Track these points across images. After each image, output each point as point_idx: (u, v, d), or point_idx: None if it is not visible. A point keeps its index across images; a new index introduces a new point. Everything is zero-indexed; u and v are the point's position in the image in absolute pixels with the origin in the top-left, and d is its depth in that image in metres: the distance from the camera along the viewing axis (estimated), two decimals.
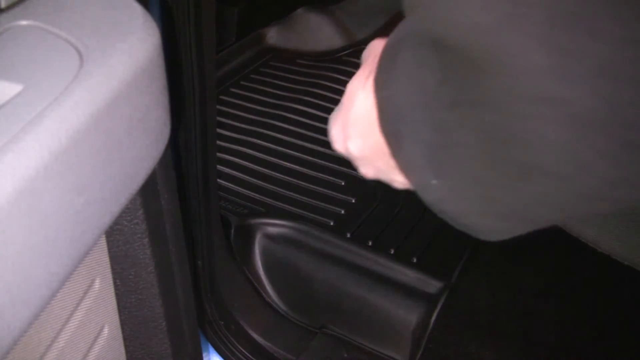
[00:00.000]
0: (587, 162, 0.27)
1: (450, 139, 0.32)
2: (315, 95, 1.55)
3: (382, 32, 1.20)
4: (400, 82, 0.35)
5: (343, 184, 1.29)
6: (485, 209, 0.34)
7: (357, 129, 0.41)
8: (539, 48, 0.24)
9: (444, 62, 0.31)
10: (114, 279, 0.62)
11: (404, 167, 0.37)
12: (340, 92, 0.43)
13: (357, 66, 0.43)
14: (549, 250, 1.11)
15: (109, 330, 0.63)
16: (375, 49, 0.42)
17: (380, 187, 1.17)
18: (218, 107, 1.32)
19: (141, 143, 0.49)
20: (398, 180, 0.41)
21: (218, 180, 1.15)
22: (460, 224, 0.38)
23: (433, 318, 1.06)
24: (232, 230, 1.15)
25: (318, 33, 1.73)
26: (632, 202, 0.30)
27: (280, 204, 1.24)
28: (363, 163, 0.43)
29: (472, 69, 0.28)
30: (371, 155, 0.41)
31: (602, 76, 0.23)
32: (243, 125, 1.46)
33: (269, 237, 1.15)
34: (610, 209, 0.31)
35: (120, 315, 0.65)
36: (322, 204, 1.24)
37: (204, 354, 0.97)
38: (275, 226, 1.15)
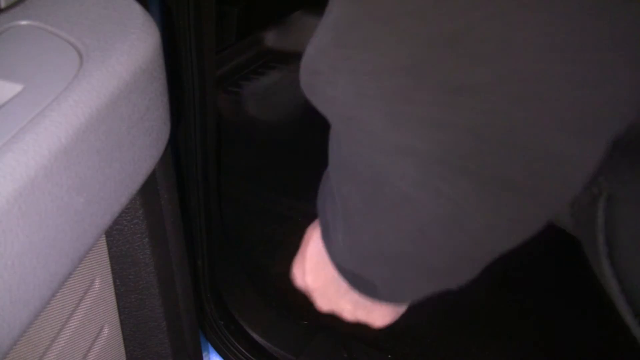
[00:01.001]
0: (435, 189, 0.33)
1: (345, 204, 0.40)
2: None
3: None
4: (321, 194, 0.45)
5: None
6: (375, 249, 0.41)
7: (312, 264, 0.51)
8: (382, 116, 0.32)
9: (331, 145, 0.40)
10: (114, 278, 0.61)
11: (330, 253, 0.46)
12: None
13: None
14: (549, 250, 1.11)
15: (109, 330, 0.63)
16: None
17: None
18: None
19: (141, 143, 0.49)
20: (347, 308, 0.52)
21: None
22: (365, 281, 0.44)
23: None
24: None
25: None
26: (489, 236, 0.36)
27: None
28: (318, 294, 0.53)
29: (343, 137, 0.37)
30: (323, 285, 0.50)
31: (429, 127, 0.31)
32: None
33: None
34: (476, 237, 0.37)
35: (120, 315, 0.65)
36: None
37: (204, 354, 0.96)
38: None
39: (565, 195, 0.34)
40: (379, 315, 0.55)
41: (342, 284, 0.48)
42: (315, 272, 0.51)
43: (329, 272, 0.48)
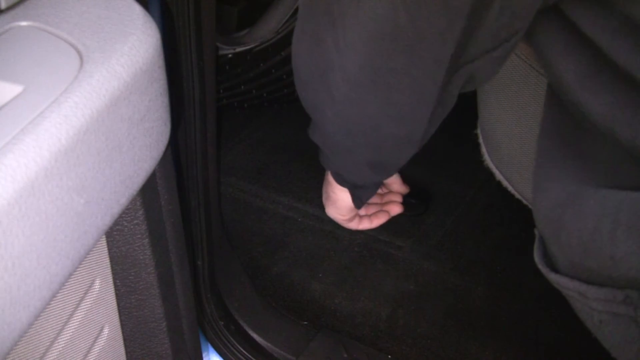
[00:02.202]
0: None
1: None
2: None
3: None
4: None
5: None
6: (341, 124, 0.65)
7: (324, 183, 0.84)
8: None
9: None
10: (114, 279, 0.62)
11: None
12: None
13: None
14: None
15: (109, 331, 0.63)
16: None
17: None
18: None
19: (141, 143, 0.49)
20: (325, 202, 0.87)
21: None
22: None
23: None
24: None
25: None
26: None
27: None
28: (324, 191, 0.86)
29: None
30: (325, 185, 0.85)
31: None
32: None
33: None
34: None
35: (120, 316, 0.65)
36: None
37: (204, 354, 0.96)
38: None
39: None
40: (333, 209, 0.85)
41: (330, 187, 0.82)
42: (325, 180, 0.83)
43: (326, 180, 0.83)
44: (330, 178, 0.81)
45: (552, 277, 0.56)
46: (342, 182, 0.79)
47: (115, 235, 0.58)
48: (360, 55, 0.52)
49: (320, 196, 0.87)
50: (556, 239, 0.54)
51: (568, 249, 0.52)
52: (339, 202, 0.82)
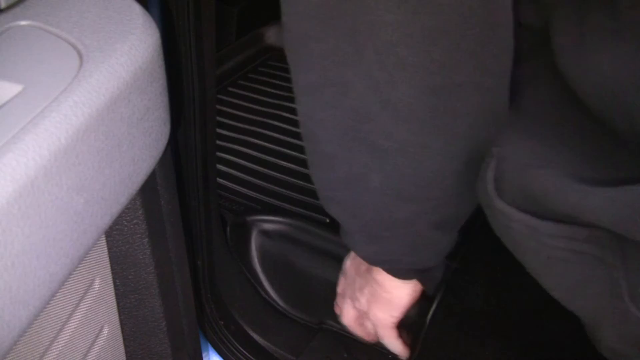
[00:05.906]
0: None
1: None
2: None
3: None
4: None
5: None
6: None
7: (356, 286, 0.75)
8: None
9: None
10: (114, 279, 0.62)
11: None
12: None
13: None
14: None
15: (109, 330, 0.63)
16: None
17: None
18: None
19: (141, 143, 0.49)
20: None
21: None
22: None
23: (430, 316, 1.06)
24: (228, 228, 1.15)
25: None
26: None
27: (278, 202, 1.23)
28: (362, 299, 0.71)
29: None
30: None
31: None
32: (241, 125, 1.46)
33: (266, 234, 1.14)
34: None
35: (120, 315, 0.65)
36: (319, 201, 1.23)
37: (204, 354, 0.96)
38: (272, 223, 1.15)
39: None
40: (385, 311, 0.69)
41: (379, 288, 0.65)
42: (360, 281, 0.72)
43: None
44: (377, 276, 0.62)
45: (499, 204, 0.47)
46: (403, 273, 0.59)
47: (115, 234, 0.58)
48: (417, 72, 0.38)
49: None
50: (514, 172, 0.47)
51: (523, 182, 0.45)
52: (395, 301, 0.62)
